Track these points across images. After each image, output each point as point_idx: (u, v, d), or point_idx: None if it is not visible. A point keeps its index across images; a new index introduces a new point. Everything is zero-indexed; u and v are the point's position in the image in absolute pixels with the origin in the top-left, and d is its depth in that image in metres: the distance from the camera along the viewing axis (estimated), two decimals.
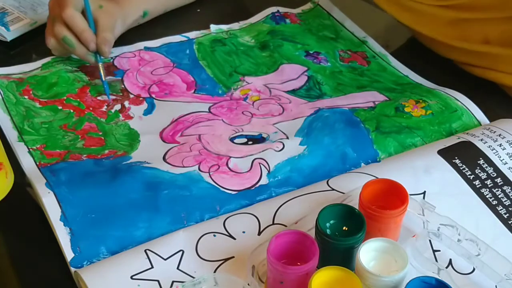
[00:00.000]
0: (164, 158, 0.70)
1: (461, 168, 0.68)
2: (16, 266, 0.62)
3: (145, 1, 0.89)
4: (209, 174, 0.68)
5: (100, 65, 0.80)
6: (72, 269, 0.59)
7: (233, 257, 0.59)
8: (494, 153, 0.70)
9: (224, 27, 0.92)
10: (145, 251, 0.59)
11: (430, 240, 0.61)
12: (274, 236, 0.54)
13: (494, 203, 0.65)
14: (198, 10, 0.97)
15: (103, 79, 0.79)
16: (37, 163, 0.69)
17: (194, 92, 0.81)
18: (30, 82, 0.80)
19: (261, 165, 0.70)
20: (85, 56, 0.80)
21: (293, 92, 0.82)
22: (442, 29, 0.83)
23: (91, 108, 0.77)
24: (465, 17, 0.80)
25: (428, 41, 0.89)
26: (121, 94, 0.80)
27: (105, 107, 0.77)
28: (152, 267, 0.58)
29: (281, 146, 0.72)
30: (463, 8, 0.79)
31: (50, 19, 0.81)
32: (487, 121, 0.77)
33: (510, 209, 0.65)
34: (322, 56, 0.88)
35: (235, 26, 0.93)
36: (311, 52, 0.88)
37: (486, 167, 0.68)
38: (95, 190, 0.65)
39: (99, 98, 0.79)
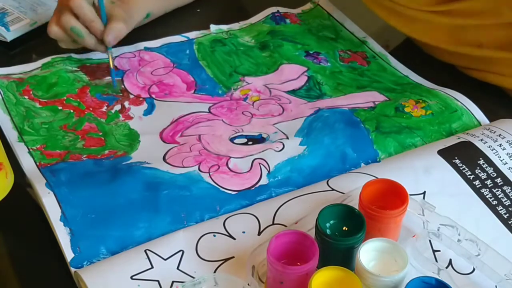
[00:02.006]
0: (164, 158, 0.70)
1: (461, 168, 0.68)
2: (16, 266, 0.62)
3: (148, 3, 0.89)
4: (209, 174, 0.68)
5: (109, 53, 0.80)
6: (72, 269, 0.59)
7: (233, 257, 0.59)
8: (494, 153, 0.70)
9: (224, 27, 0.92)
10: (145, 251, 0.59)
11: (430, 240, 0.61)
12: (274, 236, 0.54)
13: (494, 203, 0.65)
14: (198, 10, 0.97)
15: (111, 67, 0.79)
16: (37, 164, 0.69)
17: (194, 92, 0.81)
18: (30, 82, 0.79)
19: (261, 165, 0.70)
20: (94, 46, 0.80)
21: (293, 92, 0.82)
22: (436, 34, 0.83)
23: (91, 109, 0.77)
24: (459, 23, 0.80)
25: (423, 46, 0.89)
26: (121, 94, 0.80)
27: (105, 107, 0.77)
28: (152, 267, 0.58)
29: (281, 146, 0.72)
30: (457, 15, 0.79)
31: (57, 10, 0.80)
32: (487, 121, 0.77)
33: (510, 209, 0.65)
34: (322, 56, 0.88)
35: (235, 26, 0.93)
36: (311, 52, 0.88)
37: (486, 167, 0.68)
38: (95, 190, 0.65)
39: (99, 98, 0.79)
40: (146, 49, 0.87)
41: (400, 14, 0.84)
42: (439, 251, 0.60)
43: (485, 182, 0.67)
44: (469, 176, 0.67)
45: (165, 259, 0.58)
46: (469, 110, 0.78)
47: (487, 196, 0.66)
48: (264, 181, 0.68)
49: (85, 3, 0.77)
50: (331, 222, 0.57)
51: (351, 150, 0.72)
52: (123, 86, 0.81)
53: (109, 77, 0.82)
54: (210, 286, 0.55)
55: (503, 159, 0.69)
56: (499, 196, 0.66)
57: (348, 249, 0.55)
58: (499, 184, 0.67)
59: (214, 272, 0.58)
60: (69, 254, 0.60)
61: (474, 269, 0.59)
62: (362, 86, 0.83)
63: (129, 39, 0.87)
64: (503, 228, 0.63)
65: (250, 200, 0.66)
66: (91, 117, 0.76)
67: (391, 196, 0.59)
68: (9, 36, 0.87)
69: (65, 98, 0.78)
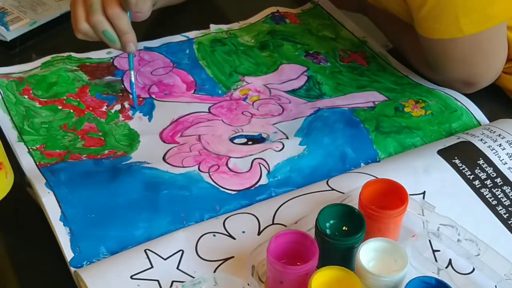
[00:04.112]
0: (164, 158, 0.70)
1: (460, 168, 0.68)
2: (16, 266, 0.62)
3: None
4: (209, 174, 0.68)
5: (131, 73, 0.78)
6: (72, 269, 0.59)
7: (233, 257, 0.59)
8: (494, 153, 0.70)
9: (224, 27, 0.92)
10: (145, 251, 0.59)
11: (430, 240, 0.61)
12: (274, 236, 0.54)
13: (494, 203, 0.65)
14: (198, 10, 0.97)
15: (132, 80, 0.78)
16: (37, 163, 0.69)
17: (194, 93, 0.81)
18: (30, 81, 0.79)
19: (260, 165, 0.70)
20: (121, 50, 0.76)
21: (293, 92, 0.82)
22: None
23: (91, 108, 0.77)
24: None
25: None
26: (120, 94, 0.80)
27: (105, 107, 0.77)
28: (152, 267, 0.58)
29: (281, 146, 0.72)
30: None
31: (86, 6, 0.74)
32: (487, 121, 0.77)
33: (509, 209, 0.65)
34: (321, 56, 0.88)
35: (235, 26, 0.93)
36: (311, 52, 0.88)
37: (486, 167, 0.68)
38: (95, 190, 0.65)
39: (99, 98, 0.79)
40: (146, 48, 0.87)
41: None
42: (439, 251, 0.60)
43: (485, 182, 0.67)
44: (468, 176, 0.67)
45: (165, 259, 0.58)
46: (469, 110, 0.78)
47: (487, 196, 0.66)
48: (263, 181, 0.68)
49: (123, 14, 0.73)
50: (331, 222, 0.57)
51: (350, 150, 0.72)
52: (122, 86, 0.81)
53: (109, 77, 0.81)
54: (210, 286, 0.55)
55: (503, 159, 0.69)
56: (499, 196, 0.66)
57: (348, 249, 0.55)
58: (499, 184, 0.67)
59: (214, 272, 0.58)
60: (69, 254, 0.60)
61: (474, 269, 0.59)
62: (362, 86, 0.83)
63: None
64: (503, 228, 0.63)
65: (250, 200, 0.66)
66: (91, 117, 0.76)
67: (391, 196, 0.59)
68: (9, 36, 0.87)
69: (65, 97, 0.78)
